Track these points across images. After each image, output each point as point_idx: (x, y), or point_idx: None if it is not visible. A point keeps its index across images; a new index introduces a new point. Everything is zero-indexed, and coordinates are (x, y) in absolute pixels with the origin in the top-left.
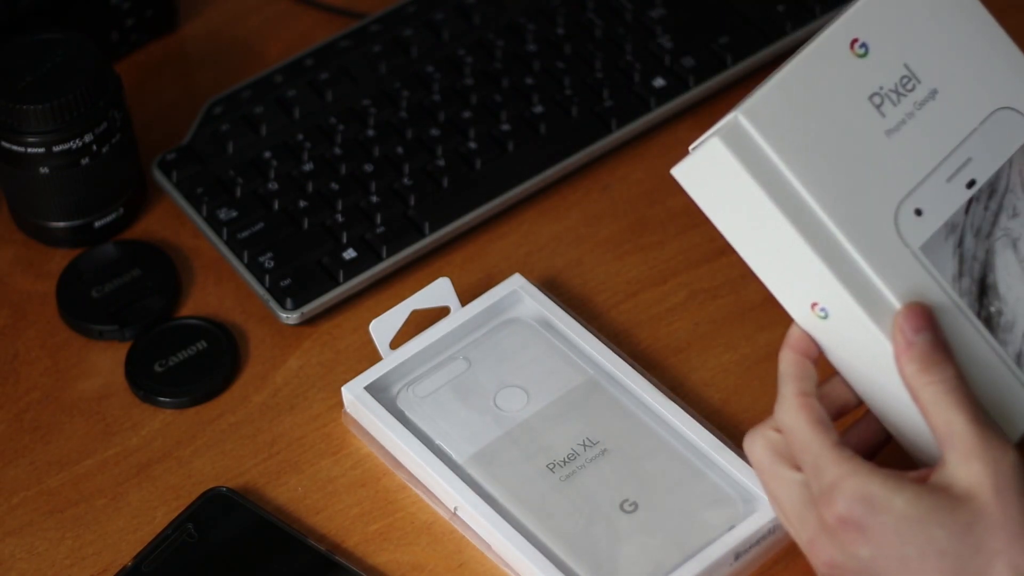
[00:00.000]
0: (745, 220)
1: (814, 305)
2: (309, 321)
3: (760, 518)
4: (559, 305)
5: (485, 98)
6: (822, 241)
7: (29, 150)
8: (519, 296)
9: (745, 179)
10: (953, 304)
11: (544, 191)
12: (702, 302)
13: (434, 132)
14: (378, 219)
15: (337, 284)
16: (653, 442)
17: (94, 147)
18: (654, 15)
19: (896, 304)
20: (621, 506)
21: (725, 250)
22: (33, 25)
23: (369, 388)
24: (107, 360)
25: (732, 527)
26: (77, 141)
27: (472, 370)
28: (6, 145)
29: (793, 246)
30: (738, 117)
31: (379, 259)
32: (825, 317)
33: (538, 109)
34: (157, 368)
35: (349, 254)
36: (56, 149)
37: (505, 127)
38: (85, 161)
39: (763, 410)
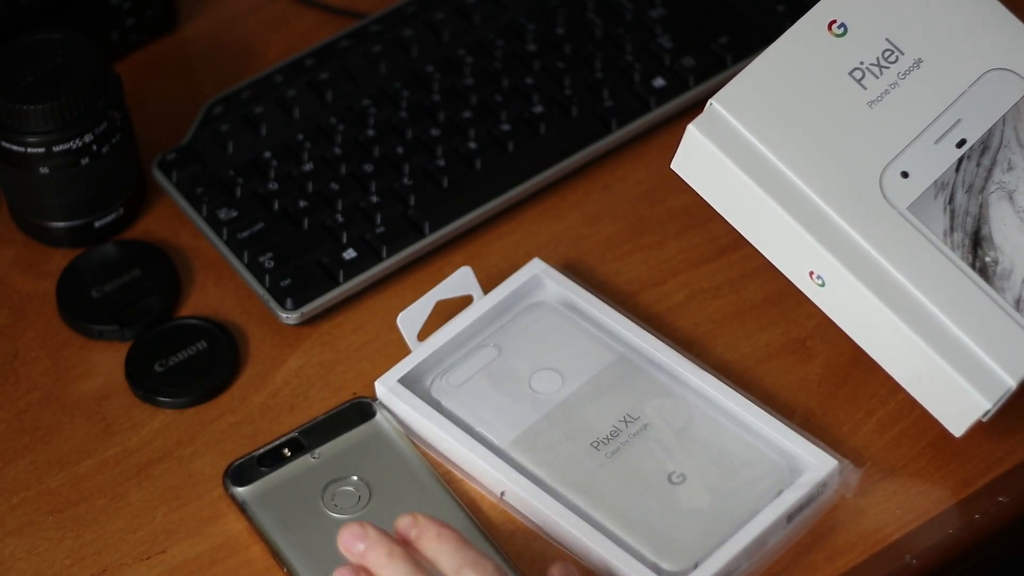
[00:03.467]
0: (736, 200)
1: (811, 274)
2: (309, 321)
3: (807, 481)
4: (581, 286)
5: (485, 98)
6: (807, 213)
7: (29, 150)
8: (540, 280)
9: (724, 162)
10: (945, 257)
11: (544, 191)
12: (702, 302)
13: (434, 132)
14: (378, 219)
15: (337, 284)
16: (692, 413)
17: (94, 147)
18: (654, 15)
19: (887, 266)
20: (669, 478)
21: (725, 250)
22: (33, 25)
23: (403, 380)
24: (107, 360)
25: (780, 492)
26: (77, 141)
27: (503, 356)
28: (6, 145)
29: (779, 220)
30: (712, 104)
31: (379, 259)
32: (823, 284)
33: (538, 109)
34: (157, 368)
35: (349, 254)
36: (56, 149)
37: (505, 127)
38: (85, 161)
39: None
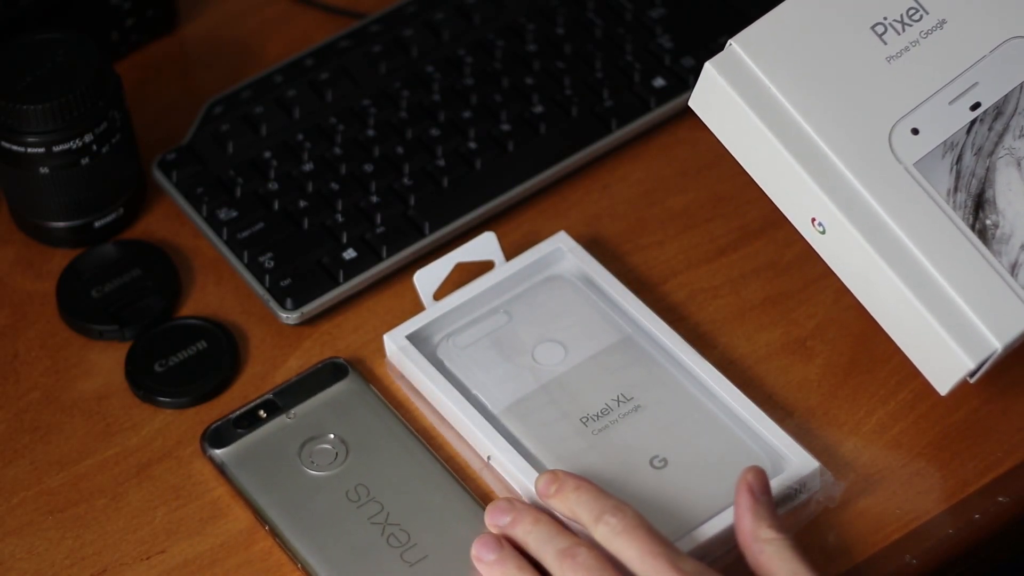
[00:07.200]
0: (746, 141)
1: (813, 220)
2: (309, 321)
3: (786, 478)
4: (602, 264)
5: (485, 98)
6: (813, 160)
7: (29, 150)
8: (562, 253)
9: (737, 102)
10: (945, 216)
11: (544, 191)
12: (702, 302)
13: (434, 132)
14: (378, 219)
15: (337, 284)
16: (685, 400)
17: (94, 147)
18: (654, 15)
19: (887, 218)
20: (651, 462)
21: (725, 250)
22: (33, 25)
23: (411, 337)
24: (107, 360)
25: None
26: (77, 141)
27: (512, 324)
28: (6, 145)
29: (786, 165)
30: (731, 44)
31: (379, 259)
32: (823, 232)
33: (538, 109)
34: (157, 368)
35: (349, 254)
36: (56, 149)
37: (505, 127)
38: (85, 161)
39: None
